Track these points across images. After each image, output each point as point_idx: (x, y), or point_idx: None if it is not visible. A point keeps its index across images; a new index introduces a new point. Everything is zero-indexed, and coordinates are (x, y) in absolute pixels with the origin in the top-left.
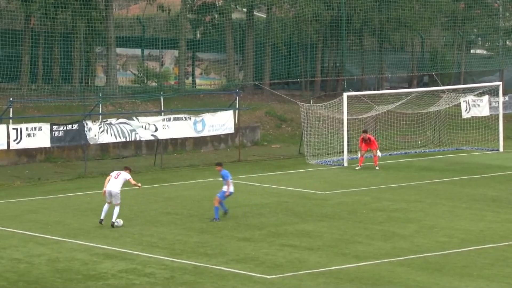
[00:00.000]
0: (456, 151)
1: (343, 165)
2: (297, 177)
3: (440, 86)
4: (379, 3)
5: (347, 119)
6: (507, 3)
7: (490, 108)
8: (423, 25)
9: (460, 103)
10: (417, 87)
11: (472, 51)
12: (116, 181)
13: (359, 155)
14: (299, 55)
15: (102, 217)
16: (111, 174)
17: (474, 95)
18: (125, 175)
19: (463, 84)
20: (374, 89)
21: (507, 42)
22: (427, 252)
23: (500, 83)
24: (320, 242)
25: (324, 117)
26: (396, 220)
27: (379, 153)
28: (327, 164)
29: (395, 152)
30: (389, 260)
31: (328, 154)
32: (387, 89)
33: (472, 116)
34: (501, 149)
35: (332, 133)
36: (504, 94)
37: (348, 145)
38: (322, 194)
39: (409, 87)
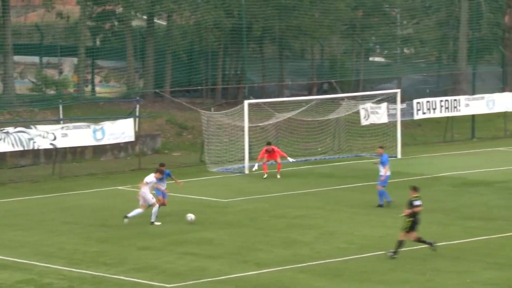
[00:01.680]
0: (356, 157)
1: (244, 172)
2: (198, 185)
3: (340, 93)
4: (280, 11)
5: (248, 127)
6: (404, 12)
7: (388, 115)
8: (322, 33)
9: (359, 110)
10: (317, 94)
11: (370, 58)
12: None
13: (260, 163)
14: (200, 63)
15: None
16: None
17: (373, 103)
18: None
19: (362, 91)
20: (274, 97)
21: (405, 50)
22: (328, 258)
23: (398, 90)
24: (222, 250)
25: (225, 125)
26: (297, 227)
27: (291, 159)
28: (228, 171)
29: (295, 159)
30: (290, 267)
31: (229, 161)
32: (287, 96)
33: (371, 123)
34: (399, 156)
35: (233, 141)
36: (402, 102)
37: (249, 153)
38: (223, 202)
39: (309, 94)
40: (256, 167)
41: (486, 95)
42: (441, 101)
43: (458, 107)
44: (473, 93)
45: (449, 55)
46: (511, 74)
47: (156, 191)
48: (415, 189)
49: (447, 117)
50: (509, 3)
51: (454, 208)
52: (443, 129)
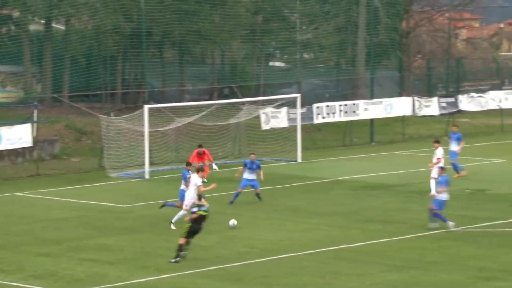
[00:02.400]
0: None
1: (145, 177)
2: (97, 190)
3: (240, 98)
4: (180, 15)
5: (148, 132)
6: (304, 17)
7: (289, 119)
8: (223, 38)
9: (259, 115)
10: (218, 99)
11: (270, 63)
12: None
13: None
14: (99, 67)
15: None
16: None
17: (273, 107)
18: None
19: (263, 96)
20: (175, 101)
21: (304, 55)
22: (228, 263)
23: (298, 95)
24: (121, 256)
25: (125, 130)
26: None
27: (214, 166)
28: (128, 176)
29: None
30: (190, 272)
31: (129, 166)
32: (188, 101)
33: (271, 128)
34: (299, 160)
35: (133, 146)
36: (302, 106)
37: (149, 158)
38: (123, 207)
39: (210, 99)
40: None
41: (384, 100)
42: (340, 105)
43: (357, 112)
44: (372, 97)
45: (348, 60)
46: (408, 79)
47: (181, 193)
48: (199, 198)
49: (346, 122)
50: (406, 8)
51: (354, 211)
52: (342, 133)
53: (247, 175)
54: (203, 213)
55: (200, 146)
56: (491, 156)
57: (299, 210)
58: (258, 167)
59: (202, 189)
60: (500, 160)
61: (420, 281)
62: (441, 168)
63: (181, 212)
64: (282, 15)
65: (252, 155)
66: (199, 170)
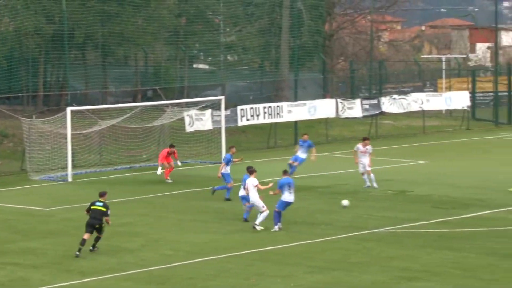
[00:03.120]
0: (181, 164)
1: (68, 180)
2: (19, 193)
3: (164, 100)
4: (102, 17)
5: (71, 134)
6: (227, 19)
7: (213, 122)
8: (146, 40)
9: (183, 117)
10: (142, 101)
11: (194, 65)
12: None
13: (161, 169)
14: (20, 69)
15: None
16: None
17: (197, 109)
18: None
19: (187, 98)
20: (98, 104)
21: (228, 57)
22: (153, 266)
23: (222, 97)
24: (44, 260)
25: (47, 132)
26: (122, 235)
27: (179, 163)
28: (51, 179)
29: (120, 167)
30: (114, 275)
31: (51, 169)
32: (111, 103)
33: (195, 130)
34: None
35: (56, 149)
36: (226, 108)
37: (72, 161)
38: (46, 211)
39: (134, 101)
40: (159, 171)
41: (308, 102)
42: (265, 107)
43: (281, 114)
44: (295, 99)
45: (272, 62)
46: (331, 81)
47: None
48: (101, 195)
49: (271, 123)
50: (329, 11)
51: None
52: (266, 135)
53: (299, 153)
54: None
55: (172, 146)
56: (413, 158)
57: (224, 212)
58: (310, 146)
59: (261, 187)
60: (422, 162)
61: (343, 282)
62: (284, 171)
63: (265, 213)
64: (206, 17)
65: (305, 135)
66: (252, 172)
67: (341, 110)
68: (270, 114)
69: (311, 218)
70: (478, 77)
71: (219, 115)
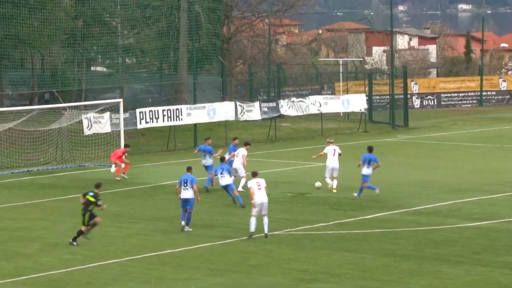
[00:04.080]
0: (79, 167)
1: None
2: None
3: (61, 103)
4: None
5: None
6: (125, 22)
7: (112, 124)
8: (42, 42)
9: (81, 120)
10: (38, 104)
11: (92, 68)
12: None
13: (114, 167)
14: None
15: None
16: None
17: (96, 112)
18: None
19: (85, 101)
20: None
21: (126, 60)
22: (51, 270)
23: (121, 100)
24: None
25: None
26: (18, 239)
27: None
28: None
29: (17, 171)
30: (12, 280)
31: None
32: (7, 106)
33: (94, 133)
34: (123, 165)
35: None
36: (125, 111)
37: None
38: None
39: (30, 104)
40: (113, 169)
41: (207, 105)
42: (164, 110)
43: (180, 117)
44: (195, 102)
45: (170, 65)
46: (230, 84)
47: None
48: (96, 186)
49: (170, 126)
50: (227, 14)
51: (178, 216)
52: (166, 138)
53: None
54: None
55: (127, 146)
56: (311, 160)
57: (122, 215)
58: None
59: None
60: (321, 164)
61: (243, 284)
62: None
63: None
64: (103, 19)
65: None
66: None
67: (240, 113)
68: (170, 117)
69: (211, 220)
70: (374, 80)
71: (118, 118)
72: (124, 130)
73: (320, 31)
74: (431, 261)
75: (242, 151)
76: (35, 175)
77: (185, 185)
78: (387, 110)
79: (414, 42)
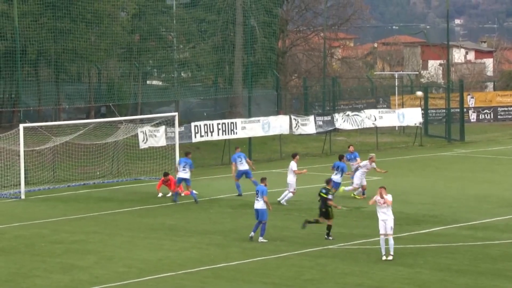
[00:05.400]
0: (135, 181)
1: (20, 197)
2: None
3: (118, 117)
4: (55, 34)
5: (24, 151)
6: (181, 36)
7: (167, 138)
8: (99, 57)
9: (137, 133)
10: (95, 118)
11: (148, 82)
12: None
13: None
14: None
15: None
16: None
17: (151, 126)
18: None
19: (140, 114)
20: (51, 120)
21: (182, 74)
22: (106, 283)
23: (176, 113)
24: None
25: (0, 149)
26: (75, 252)
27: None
28: (3, 197)
29: (73, 184)
30: None
31: (4, 187)
32: (64, 120)
33: (149, 146)
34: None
35: (8, 166)
36: (180, 125)
37: (25, 177)
38: None
39: (87, 118)
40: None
41: (261, 118)
42: (218, 124)
43: (235, 130)
44: (249, 116)
45: (225, 79)
46: (285, 98)
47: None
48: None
49: (225, 140)
50: (282, 28)
51: (233, 230)
52: (221, 152)
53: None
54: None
55: (166, 174)
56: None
57: (177, 229)
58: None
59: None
60: (375, 178)
61: None
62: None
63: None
64: (159, 33)
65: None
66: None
67: (295, 127)
68: (224, 131)
69: (266, 234)
70: (430, 93)
71: (173, 132)
72: (179, 144)
73: (376, 45)
74: (487, 276)
75: (291, 165)
76: (91, 189)
77: (257, 196)
78: (443, 124)
79: (471, 56)
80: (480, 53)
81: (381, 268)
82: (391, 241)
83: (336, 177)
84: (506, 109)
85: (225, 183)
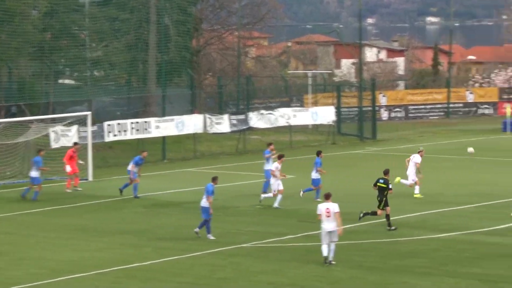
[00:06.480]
0: (46, 181)
1: None
2: None
3: (28, 116)
4: None
5: None
6: (93, 34)
7: (79, 137)
8: (10, 55)
9: (49, 133)
10: (5, 117)
11: (60, 81)
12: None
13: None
14: None
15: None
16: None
17: (63, 125)
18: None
19: (52, 114)
20: None
21: (95, 73)
22: (18, 285)
23: (89, 113)
24: None
25: None
26: None
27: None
28: None
29: None
30: None
31: None
32: None
33: (61, 146)
34: (90, 178)
35: None
36: (93, 124)
37: None
38: None
39: None
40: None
41: (175, 117)
42: (132, 123)
43: (148, 129)
44: (163, 115)
45: (139, 78)
46: (199, 97)
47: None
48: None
49: (138, 139)
50: (196, 27)
51: (146, 230)
52: (134, 151)
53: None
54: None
55: (76, 143)
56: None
57: (90, 230)
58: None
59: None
60: (289, 176)
61: None
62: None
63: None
64: (71, 32)
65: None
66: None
67: (209, 126)
68: (138, 130)
69: (179, 233)
70: (343, 92)
71: (86, 131)
72: (92, 143)
73: (290, 44)
74: (397, 272)
75: (274, 165)
76: (1, 189)
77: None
78: (356, 122)
79: (383, 55)
80: (391, 52)
81: (293, 266)
82: (332, 246)
83: (314, 174)
84: (417, 107)
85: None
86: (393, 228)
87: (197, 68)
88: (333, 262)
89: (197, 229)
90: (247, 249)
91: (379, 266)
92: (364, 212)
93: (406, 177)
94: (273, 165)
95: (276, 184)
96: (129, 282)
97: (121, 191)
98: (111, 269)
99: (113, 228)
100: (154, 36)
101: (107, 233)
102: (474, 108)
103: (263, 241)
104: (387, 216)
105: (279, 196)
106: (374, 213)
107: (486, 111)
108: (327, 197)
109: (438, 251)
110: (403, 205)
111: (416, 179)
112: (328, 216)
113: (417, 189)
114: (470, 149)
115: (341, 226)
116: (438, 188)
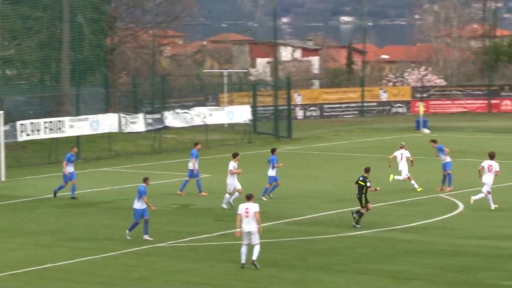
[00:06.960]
0: None
1: None
2: None
3: None
4: None
5: None
6: (5, 32)
7: None
8: None
9: None
10: None
11: None
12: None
13: None
14: None
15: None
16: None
17: None
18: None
19: None
20: None
21: (7, 71)
22: None
23: (1, 112)
24: None
25: None
26: None
27: None
28: None
29: None
30: None
31: None
32: None
33: None
34: (2, 178)
35: None
36: (5, 123)
37: None
38: None
39: None
40: None
41: (90, 116)
42: (45, 122)
43: (62, 128)
44: (77, 114)
45: (52, 77)
46: (114, 96)
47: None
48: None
49: (52, 139)
50: (110, 25)
51: (60, 230)
52: (48, 151)
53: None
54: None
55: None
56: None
57: (3, 230)
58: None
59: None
60: (205, 175)
61: None
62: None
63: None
64: None
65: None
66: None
67: (124, 125)
68: (51, 129)
69: (94, 233)
70: (258, 91)
71: None
72: (4, 143)
73: (205, 43)
74: (314, 270)
75: (231, 164)
76: None
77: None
78: (271, 121)
79: (298, 54)
80: (306, 51)
81: (209, 265)
82: (257, 248)
83: (271, 172)
84: (332, 106)
85: (52, 183)
86: (358, 226)
87: (112, 67)
88: (258, 267)
89: (127, 231)
90: (163, 249)
91: (296, 264)
92: (354, 212)
93: (399, 173)
94: (230, 164)
95: (233, 184)
96: (43, 282)
97: (55, 193)
98: (24, 270)
99: (26, 228)
100: (67, 35)
101: (20, 233)
102: (388, 107)
103: (178, 240)
104: (360, 213)
105: (236, 194)
106: (361, 215)
107: (400, 110)
108: (248, 197)
109: (354, 249)
110: (317, 204)
111: (409, 174)
112: (247, 217)
113: (415, 184)
114: (426, 131)
115: (260, 225)
116: (353, 186)
